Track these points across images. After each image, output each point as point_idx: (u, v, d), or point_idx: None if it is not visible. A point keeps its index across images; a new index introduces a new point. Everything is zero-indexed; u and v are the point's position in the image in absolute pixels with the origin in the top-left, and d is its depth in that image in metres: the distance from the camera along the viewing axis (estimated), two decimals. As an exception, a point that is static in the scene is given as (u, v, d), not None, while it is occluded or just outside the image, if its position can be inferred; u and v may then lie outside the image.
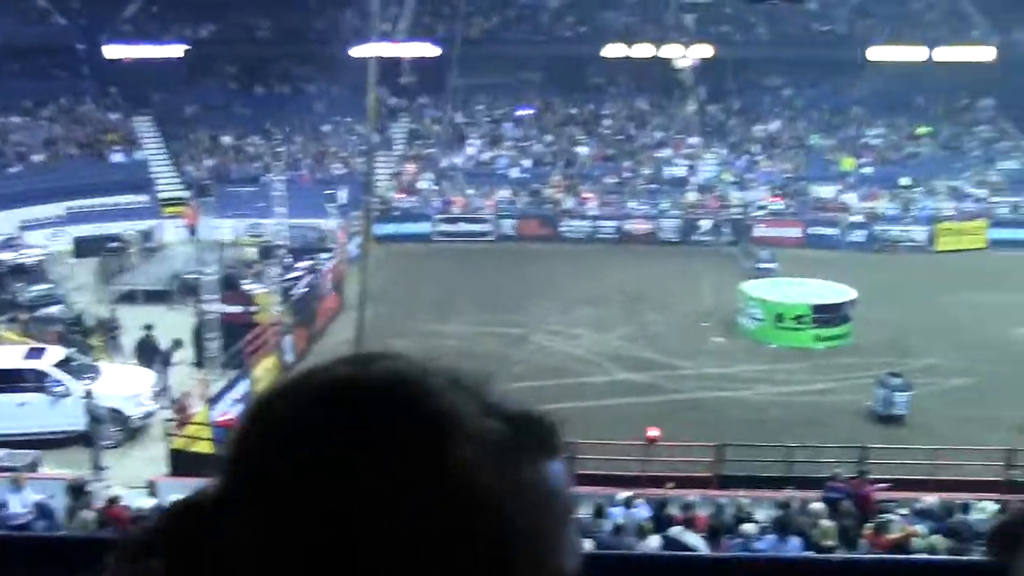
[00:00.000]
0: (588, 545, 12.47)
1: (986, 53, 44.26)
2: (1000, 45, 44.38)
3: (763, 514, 14.66)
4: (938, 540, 13.12)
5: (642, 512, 14.59)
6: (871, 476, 16.02)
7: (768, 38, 46.21)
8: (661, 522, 14.05)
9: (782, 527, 13.81)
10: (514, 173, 40.78)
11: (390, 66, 41.58)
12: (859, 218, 37.63)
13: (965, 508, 14.81)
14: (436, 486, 0.77)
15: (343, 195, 35.75)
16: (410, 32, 44.47)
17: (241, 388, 20.14)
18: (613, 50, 44.63)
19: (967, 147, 43.25)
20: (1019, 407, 20.24)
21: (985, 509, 14.48)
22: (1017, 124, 43.87)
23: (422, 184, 39.61)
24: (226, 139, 42.36)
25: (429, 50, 43.32)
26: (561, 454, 0.85)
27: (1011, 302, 27.99)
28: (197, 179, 38.27)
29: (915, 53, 44.19)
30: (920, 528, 13.71)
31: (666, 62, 44.84)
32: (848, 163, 41.16)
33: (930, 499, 15.06)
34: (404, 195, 38.92)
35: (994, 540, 0.68)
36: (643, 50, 44.47)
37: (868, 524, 14.02)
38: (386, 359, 0.86)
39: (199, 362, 22.93)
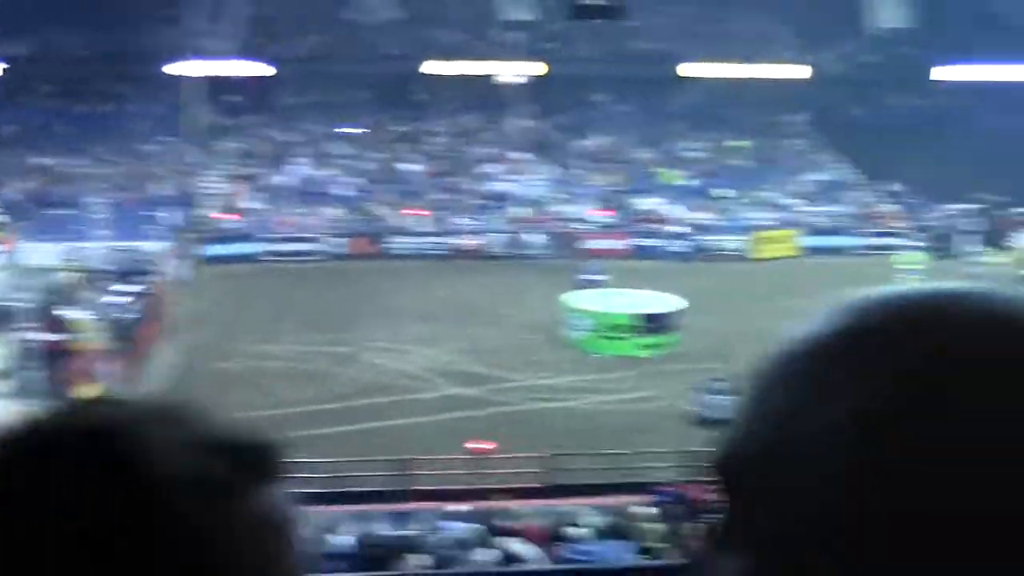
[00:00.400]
0: (424, 561, 12.38)
1: (800, 71, 46.19)
2: (812, 64, 46.36)
3: (594, 520, 14.78)
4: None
5: (474, 525, 14.54)
6: (698, 479, 16.34)
7: (592, 55, 47.08)
8: (495, 534, 14.03)
9: (613, 532, 13.96)
10: (343, 191, 40.40)
11: (217, 85, 40.76)
12: (681, 229, 38.61)
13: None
14: (128, 528, 0.72)
15: (168, 216, 34.78)
16: (237, 51, 43.65)
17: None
18: (441, 67, 44.79)
19: (780, 160, 44.96)
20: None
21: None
22: (825, 138, 45.86)
23: (250, 204, 38.85)
24: (45, 160, 40.67)
25: (257, 69, 42.58)
26: (279, 479, 0.81)
27: (820, 306, 29.00)
28: (15, 202, 36.61)
29: (732, 70, 45.77)
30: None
31: (493, 79, 45.23)
32: (671, 176, 42.24)
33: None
34: (232, 215, 38.08)
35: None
36: (471, 67, 44.77)
37: (698, 527, 14.24)
38: (95, 405, 0.81)
39: (20, 393, 21.87)
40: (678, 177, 42.22)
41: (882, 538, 0.59)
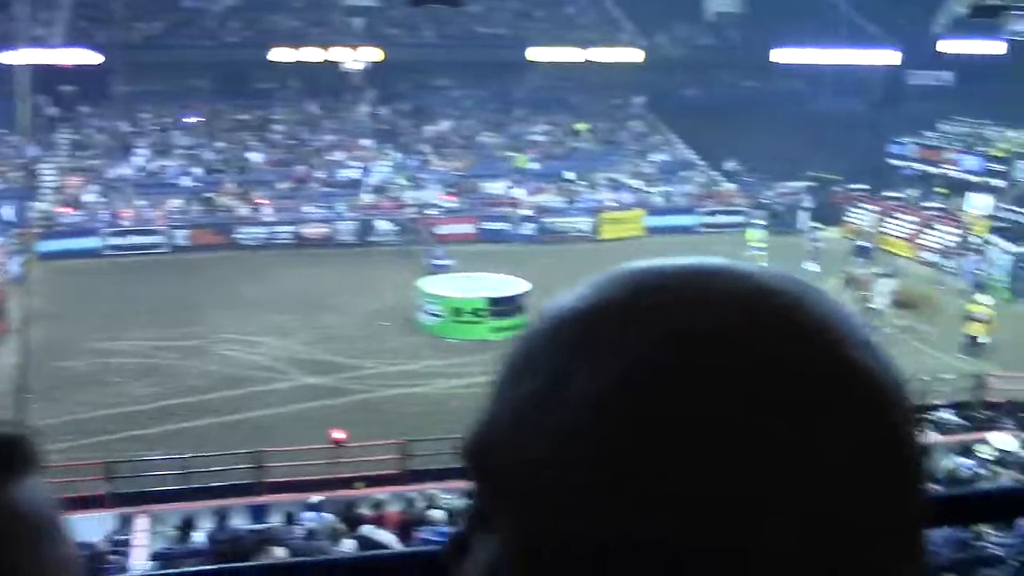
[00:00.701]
0: (282, 553, 12.36)
1: (635, 55, 47.14)
2: (646, 48, 47.38)
3: (450, 504, 14.96)
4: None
5: (332, 515, 14.57)
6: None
7: (435, 40, 47.12)
8: (352, 523, 14.09)
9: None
10: (185, 182, 39.49)
11: (50, 74, 39.32)
12: (528, 212, 39.05)
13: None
14: None
15: (1, 212, 33.51)
16: (67, 38, 42.18)
17: None
18: (281, 54, 44.18)
19: (622, 142, 45.86)
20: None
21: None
22: (664, 120, 46.94)
23: (88, 197, 37.63)
24: None
25: (89, 57, 41.19)
26: (31, 472, 0.79)
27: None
28: None
29: (572, 54, 46.43)
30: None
31: (335, 65, 44.83)
32: (522, 160, 42.60)
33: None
34: (69, 209, 36.85)
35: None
36: (312, 54, 44.28)
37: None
38: None
39: None
40: (529, 161, 42.59)
41: (618, 507, 0.61)
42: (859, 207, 38.72)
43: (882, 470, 0.65)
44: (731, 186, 42.38)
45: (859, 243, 34.98)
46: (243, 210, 37.93)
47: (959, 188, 36.20)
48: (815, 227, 36.61)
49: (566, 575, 0.63)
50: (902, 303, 27.11)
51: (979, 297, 26.74)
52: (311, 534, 13.72)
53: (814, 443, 0.62)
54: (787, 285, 0.68)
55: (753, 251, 31.49)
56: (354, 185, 40.18)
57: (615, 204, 40.36)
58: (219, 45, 44.74)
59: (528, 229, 38.39)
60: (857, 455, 0.64)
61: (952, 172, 37.92)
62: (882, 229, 37.31)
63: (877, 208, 38.09)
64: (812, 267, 32.32)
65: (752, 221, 34.47)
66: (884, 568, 0.65)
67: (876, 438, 0.65)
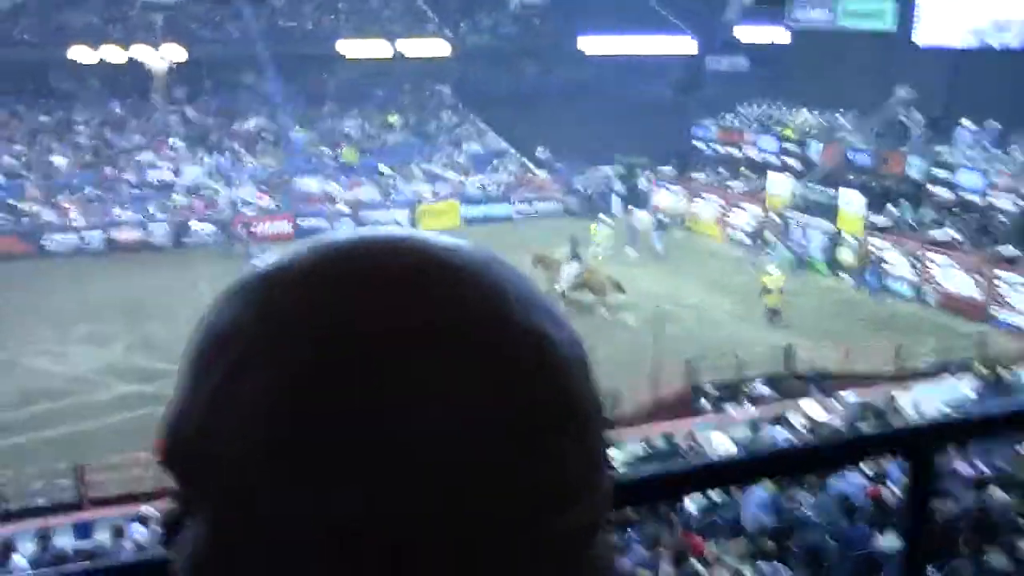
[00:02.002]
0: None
1: (442, 47, 47.27)
2: (452, 39, 47.54)
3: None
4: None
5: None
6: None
7: (238, 36, 46.10)
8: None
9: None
10: (-17, 188, 37.56)
11: None
12: (344, 207, 38.67)
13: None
14: None
15: None
16: None
17: None
18: (81, 53, 42.44)
19: (434, 133, 45.89)
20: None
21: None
22: (474, 110, 47.20)
23: None
24: None
25: None
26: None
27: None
28: None
29: (379, 47, 46.20)
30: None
31: (138, 64, 43.36)
32: (350, 154, 42.08)
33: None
34: None
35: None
36: (112, 52, 42.70)
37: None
38: None
39: None
40: (355, 155, 42.07)
41: (287, 500, 0.65)
42: (666, 189, 39.79)
43: (547, 430, 0.68)
44: (543, 173, 42.95)
45: (659, 218, 35.89)
46: (49, 215, 36.30)
47: (760, 169, 37.59)
48: (626, 210, 37.47)
49: (255, 555, 0.67)
50: (585, 286, 27.80)
51: (771, 269, 28.00)
52: (141, 548, 13.30)
53: (463, 402, 0.66)
54: (462, 257, 0.73)
55: (596, 248, 31.81)
56: (166, 186, 38.96)
57: (431, 196, 40.37)
58: (10, 44, 42.57)
59: (345, 225, 38.04)
60: (514, 414, 0.67)
61: (752, 154, 39.36)
62: (692, 210, 38.47)
63: (684, 190, 39.23)
64: (631, 252, 33.10)
65: (601, 218, 34.77)
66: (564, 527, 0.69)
67: (532, 398, 0.68)
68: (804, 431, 16.00)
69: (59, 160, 39.71)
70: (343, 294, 0.68)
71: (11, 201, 36.62)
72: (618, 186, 41.01)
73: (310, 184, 40.06)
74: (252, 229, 35.87)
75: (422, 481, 0.64)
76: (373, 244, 0.72)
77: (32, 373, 23.19)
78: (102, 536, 14.29)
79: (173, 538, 0.73)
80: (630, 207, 37.69)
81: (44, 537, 13.67)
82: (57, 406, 20.91)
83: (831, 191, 32.65)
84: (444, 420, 0.65)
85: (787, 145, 38.01)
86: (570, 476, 0.69)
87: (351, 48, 46.07)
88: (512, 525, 0.67)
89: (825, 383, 19.46)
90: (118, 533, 13.80)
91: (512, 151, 44.62)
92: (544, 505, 0.68)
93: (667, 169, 40.47)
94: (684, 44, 48.54)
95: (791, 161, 37.15)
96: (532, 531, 0.67)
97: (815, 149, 36.65)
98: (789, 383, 20.41)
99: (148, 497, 15.53)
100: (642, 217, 35.72)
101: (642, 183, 40.79)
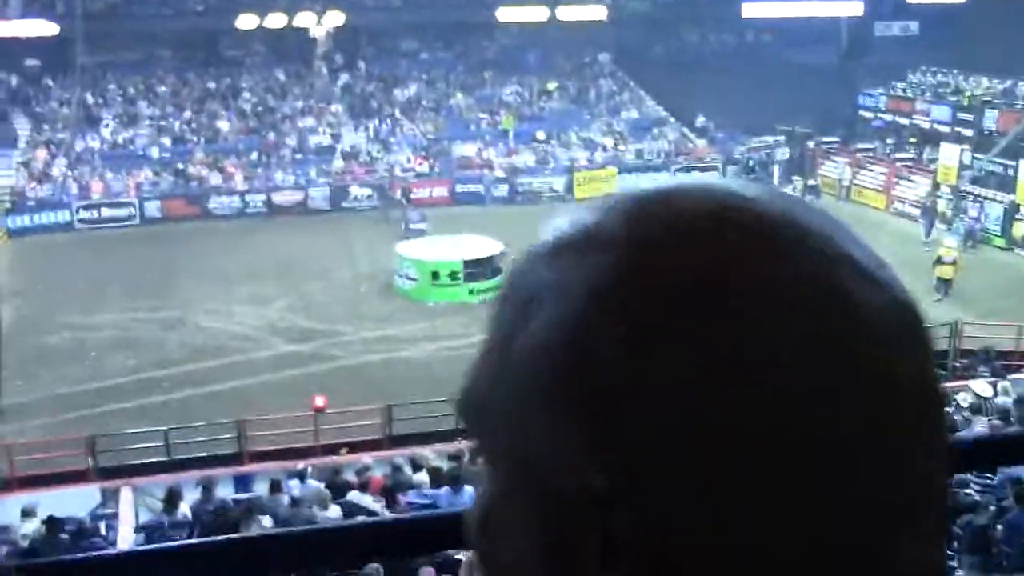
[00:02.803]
0: (268, 522, 12.33)
1: (599, 11, 46.81)
2: (609, 4, 47.03)
3: (435, 467, 14.93)
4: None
5: (317, 482, 14.52)
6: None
7: (399, 3, 46.64)
8: (338, 489, 14.05)
9: (455, 479, 14.14)
10: (154, 152, 39.08)
11: (7, 47, 38.77)
12: (501, 173, 38.91)
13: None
14: None
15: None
16: (24, 9, 41.47)
17: None
18: (246, 21, 43.64)
19: (592, 101, 45.66)
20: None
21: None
22: (633, 77, 46.73)
23: (56, 171, 37.21)
24: None
25: (46, 28, 40.48)
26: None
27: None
28: None
29: (538, 13, 46.07)
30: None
31: (301, 31, 44.36)
32: (508, 121, 42.29)
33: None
34: (37, 184, 36.42)
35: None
36: (277, 20, 43.77)
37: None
38: None
39: None
40: (513, 122, 42.24)
41: (564, 456, 0.58)
42: (832, 160, 38.74)
43: (921, 419, 0.59)
44: (703, 142, 42.35)
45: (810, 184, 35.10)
46: (214, 179, 37.61)
47: (931, 139, 36.24)
48: (791, 180, 36.67)
49: (530, 511, 0.61)
50: None
51: (947, 241, 26.98)
52: (296, 502, 13.67)
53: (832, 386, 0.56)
54: (786, 208, 0.62)
55: None
56: (325, 151, 39.90)
57: (588, 163, 40.27)
58: (183, 14, 44.11)
59: (502, 191, 38.28)
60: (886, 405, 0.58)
61: (922, 122, 37.95)
62: (856, 182, 37.39)
63: (849, 160, 38.13)
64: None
65: (723, 175, 34.47)
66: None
67: (910, 385, 0.59)
68: (972, 414, 15.27)
69: (224, 125, 41.05)
70: (700, 243, 0.58)
71: (180, 165, 38.07)
72: (780, 155, 40.10)
73: (468, 150, 40.41)
74: (410, 194, 36.42)
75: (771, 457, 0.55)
76: (688, 194, 0.61)
77: (198, 330, 24.13)
78: (260, 488, 14.75)
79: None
80: (795, 177, 36.86)
81: (207, 487, 14.18)
82: (221, 363, 21.71)
83: (1009, 162, 31.24)
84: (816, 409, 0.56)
85: (961, 115, 36.49)
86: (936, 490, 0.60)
87: (511, 14, 46.08)
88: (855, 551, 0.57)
89: (995, 363, 18.62)
90: (275, 487, 14.22)
91: (671, 119, 44.09)
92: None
93: (830, 139, 39.39)
94: (850, 7, 46.63)
95: (964, 131, 35.67)
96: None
97: (991, 118, 35.08)
98: (956, 361, 19.63)
99: (304, 453, 16.03)
100: (796, 184, 34.96)
101: (805, 153, 39.81)
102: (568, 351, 0.57)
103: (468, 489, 13.60)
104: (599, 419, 0.56)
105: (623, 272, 0.57)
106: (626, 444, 0.56)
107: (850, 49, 46.04)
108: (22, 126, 40.07)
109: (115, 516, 14.06)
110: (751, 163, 39.90)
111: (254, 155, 39.20)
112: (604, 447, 0.56)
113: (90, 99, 41.77)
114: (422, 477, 13.95)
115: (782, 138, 40.32)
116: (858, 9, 46.44)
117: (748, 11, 45.92)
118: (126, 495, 14.57)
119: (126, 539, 12.91)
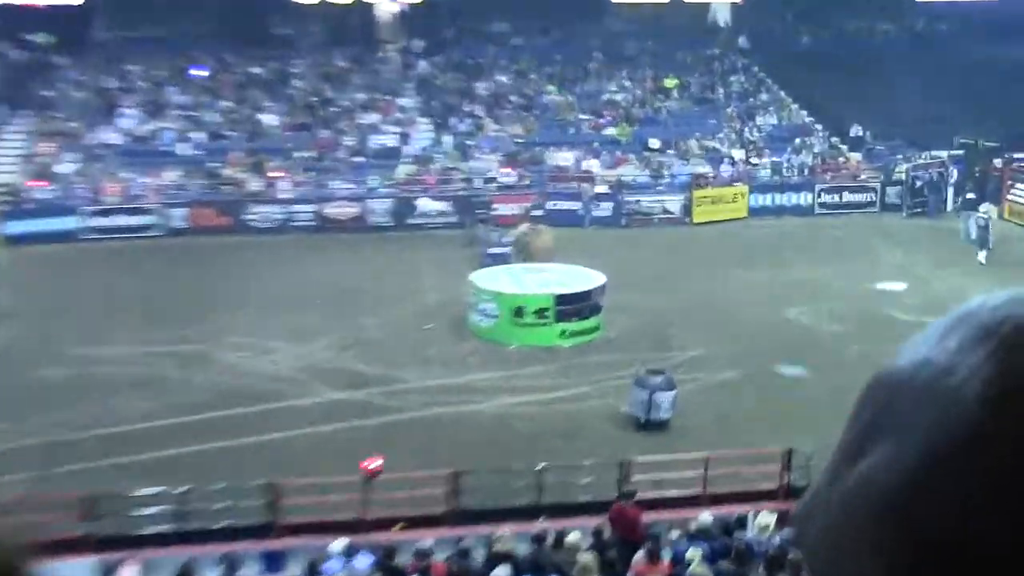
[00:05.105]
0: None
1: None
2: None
3: (514, 551, 14.74)
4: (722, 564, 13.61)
5: (366, 563, 14.41)
6: (635, 495, 16.41)
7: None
8: (391, 573, 13.91)
9: (536, 566, 13.92)
10: (183, 150, 39.65)
11: (15, 17, 39.67)
12: (604, 188, 38.75)
13: (741, 523, 15.50)
14: None
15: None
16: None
17: None
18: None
19: (720, 101, 45.36)
20: (797, 398, 21.32)
21: (762, 524, 15.19)
22: (771, 73, 46.35)
23: (63, 168, 37.89)
24: None
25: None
26: None
27: (779, 279, 29.67)
28: None
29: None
30: (696, 551, 14.14)
31: (366, 7, 44.77)
32: (622, 130, 42.21)
33: (704, 516, 15.60)
34: (40, 183, 37.09)
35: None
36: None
37: (637, 553, 14.35)
38: None
39: None
40: (624, 128, 42.18)
41: None
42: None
43: None
44: (856, 156, 41.82)
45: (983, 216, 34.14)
46: (254, 185, 37.97)
47: None
48: (971, 206, 35.80)
49: None
50: None
51: None
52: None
53: None
54: None
55: None
56: (390, 154, 40.12)
57: (711, 179, 39.95)
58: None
59: (603, 210, 38.13)
60: None
61: None
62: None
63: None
64: (981, 257, 31.88)
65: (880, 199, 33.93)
66: None
67: None
68: None
69: (269, 119, 41.49)
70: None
71: (211, 164, 38.46)
72: (956, 176, 39.35)
73: (564, 158, 40.34)
74: (491, 210, 36.35)
75: None
76: None
77: (228, 370, 24.18)
78: (295, 569, 14.66)
79: None
80: (983, 206, 36.09)
81: (230, 565, 14.12)
82: (252, 411, 21.69)
83: None
84: None
85: None
86: None
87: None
88: None
89: None
90: (313, 570, 14.10)
91: (817, 127, 43.66)
92: None
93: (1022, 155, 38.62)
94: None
95: None
96: None
97: None
98: None
99: (350, 527, 15.90)
100: (986, 213, 34.20)
101: (989, 172, 39.02)
102: (896, 502, 0.63)
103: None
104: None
105: (979, 441, 0.61)
106: None
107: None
108: (24, 112, 40.85)
109: (116, 596, 14.05)
110: (918, 184, 39.22)
111: (304, 156, 39.52)
112: None
113: (108, 83, 42.54)
114: (501, 570, 13.71)
115: (960, 153, 39.59)
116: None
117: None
118: (131, 571, 14.55)
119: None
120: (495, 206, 37.05)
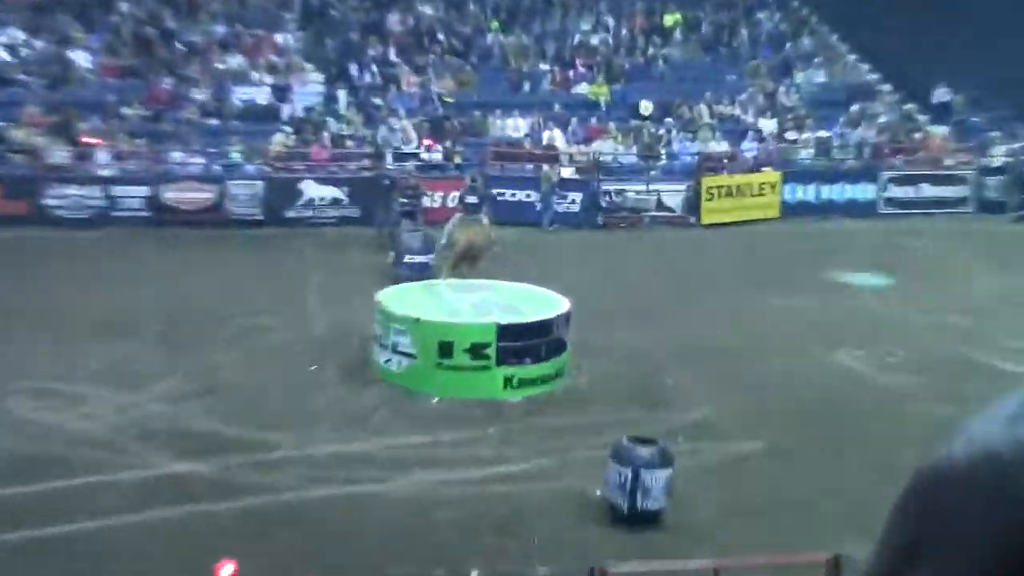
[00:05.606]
0: None
1: None
2: None
3: None
4: None
5: None
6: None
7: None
8: None
9: None
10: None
11: None
12: (572, 172, 38.91)
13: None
14: None
15: None
16: None
17: None
18: None
19: (742, 50, 45.71)
20: (845, 482, 21.54)
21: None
22: (817, 10, 46.83)
23: None
24: None
25: None
26: None
27: (823, 307, 29.93)
28: None
29: None
30: None
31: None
32: (601, 89, 42.41)
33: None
34: None
35: None
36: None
37: None
38: None
39: None
40: (606, 90, 42.51)
41: None
42: None
43: None
44: (941, 131, 42.24)
45: None
46: (59, 155, 37.90)
47: None
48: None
49: None
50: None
51: None
52: None
53: None
54: None
55: None
56: (262, 116, 40.17)
57: (728, 161, 40.24)
58: None
59: (571, 203, 38.27)
60: None
61: None
62: None
63: None
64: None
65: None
66: None
67: None
68: None
69: (81, 58, 41.44)
70: None
71: (3, 127, 38.40)
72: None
73: (515, 127, 40.58)
74: (407, 201, 36.55)
75: None
76: None
77: (19, 427, 24.19)
78: None
79: None
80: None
81: None
82: (55, 487, 21.74)
83: None
84: None
85: None
86: None
87: None
88: None
89: None
90: None
91: (885, 88, 44.16)
92: None
93: None
94: None
95: None
96: None
97: None
98: None
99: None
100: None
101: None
102: None
103: None
104: None
105: None
106: None
107: None
108: None
109: None
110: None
111: (132, 114, 39.46)
112: None
113: None
114: None
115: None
116: None
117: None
118: None
119: None
120: (413, 195, 37.12)
